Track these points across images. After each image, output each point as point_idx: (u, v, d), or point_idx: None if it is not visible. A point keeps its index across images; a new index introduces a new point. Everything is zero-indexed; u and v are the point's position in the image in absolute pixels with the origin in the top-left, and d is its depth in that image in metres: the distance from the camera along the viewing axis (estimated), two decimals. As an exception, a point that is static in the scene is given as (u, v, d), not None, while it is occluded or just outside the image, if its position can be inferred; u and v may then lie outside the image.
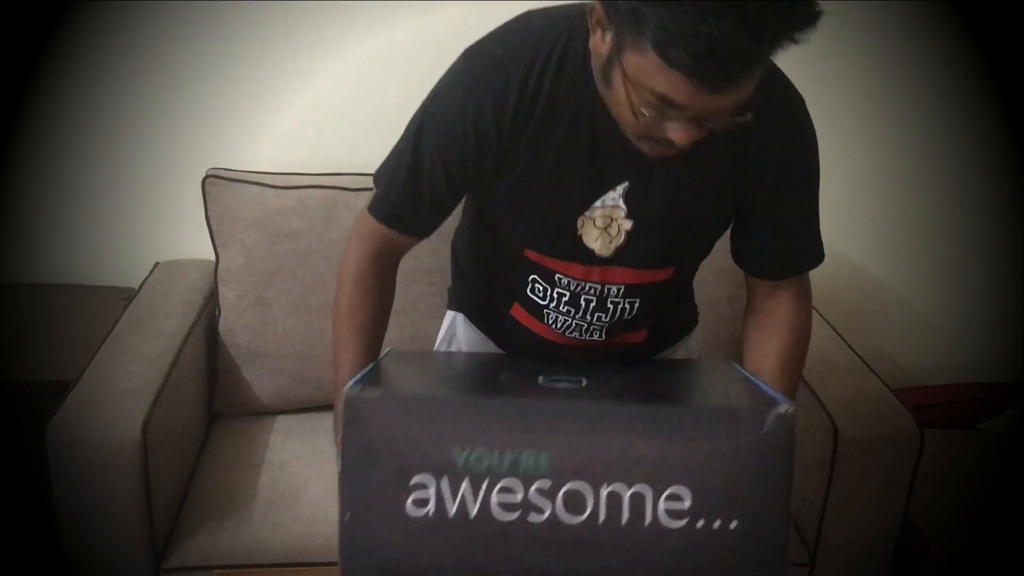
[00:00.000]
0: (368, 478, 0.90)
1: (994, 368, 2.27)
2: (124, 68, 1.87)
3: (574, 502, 0.88)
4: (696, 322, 1.37)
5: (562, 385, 1.02)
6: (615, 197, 1.06)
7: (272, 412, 1.85)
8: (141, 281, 1.89)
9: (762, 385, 1.02)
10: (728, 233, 1.15)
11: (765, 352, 1.15)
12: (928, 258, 2.22)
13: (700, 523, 0.88)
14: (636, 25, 0.82)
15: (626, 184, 1.05)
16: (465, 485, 0.89)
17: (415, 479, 0.89)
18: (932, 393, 2.16)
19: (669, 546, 0.88)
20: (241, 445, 1.74)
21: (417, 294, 1.80)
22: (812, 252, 1.14)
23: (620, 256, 1.10)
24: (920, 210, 2.18)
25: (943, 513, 1.77)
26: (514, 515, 0.89)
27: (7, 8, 1.79)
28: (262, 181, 1.79)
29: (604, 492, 0.88)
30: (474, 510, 0.89)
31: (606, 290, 1.14)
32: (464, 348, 1.32)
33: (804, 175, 1.09)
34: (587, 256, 1.10)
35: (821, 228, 1.14)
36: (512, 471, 0.88)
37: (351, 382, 0.94)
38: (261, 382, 1.82)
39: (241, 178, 1.79)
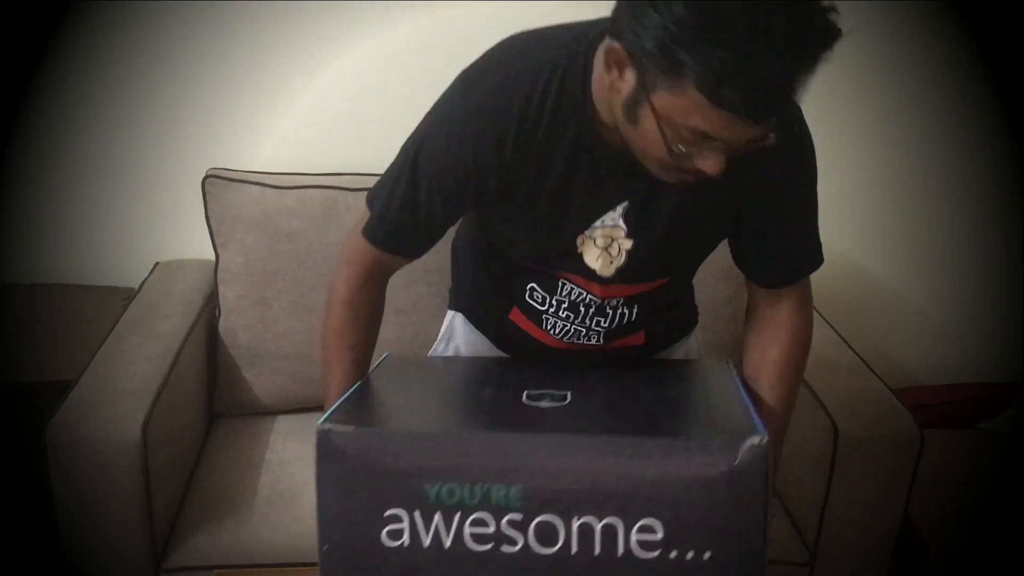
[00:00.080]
0: (343, 510, 0.92)
1: (994, 368, 2.27)
2: (124, 68, 1.87)
3: (546, 534, 0.89)
4: (696, 322, 1.37)
5: (544, 404, 1.01)
6: (615, 217, 1.06)
7: (272, 412, 1.85)
8: (141, 281, 1.89)
9: (750, 405, 1.00)
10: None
11: (764, 359, 1.14)
12: (928, 258, 2.22)
13: (673, 554, 0.88)
14: (672, 67, 0.82)
15: (625, 204, 1.05)
16: (437, 518, 0.90)
17: (388, 511, 0.91)
18: (932, 393, 2.16)
19: None
20: (241, 445, 1.74)
21: (417, 294, 1.80)
22: (811, 259, 1.14)
23: (621, 276, 1.10)
24: (920, 210, 2.18)
25: (943, 513, 1.77)
26: (487, 546, 0.90)
27: (7, 8, 1.79)
28: (262, 181, 1.79)
29: (575, 524, 0.89)
30: (448, 541, 0.90)
31: (605, 299, 1.15)
32: (462, 348, 1.32)
33: (802, 185, 1.08)
34: (588, 273, 1.11)
35: (821, 228, 1.13)
36: (483, 504, 0.89)
37: (323, 416, 0.95)
38: (261, 382, 1.82)
39: (241, 178, 1.79)
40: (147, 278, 1.90)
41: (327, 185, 1.80)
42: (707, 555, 0.88)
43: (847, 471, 1.55)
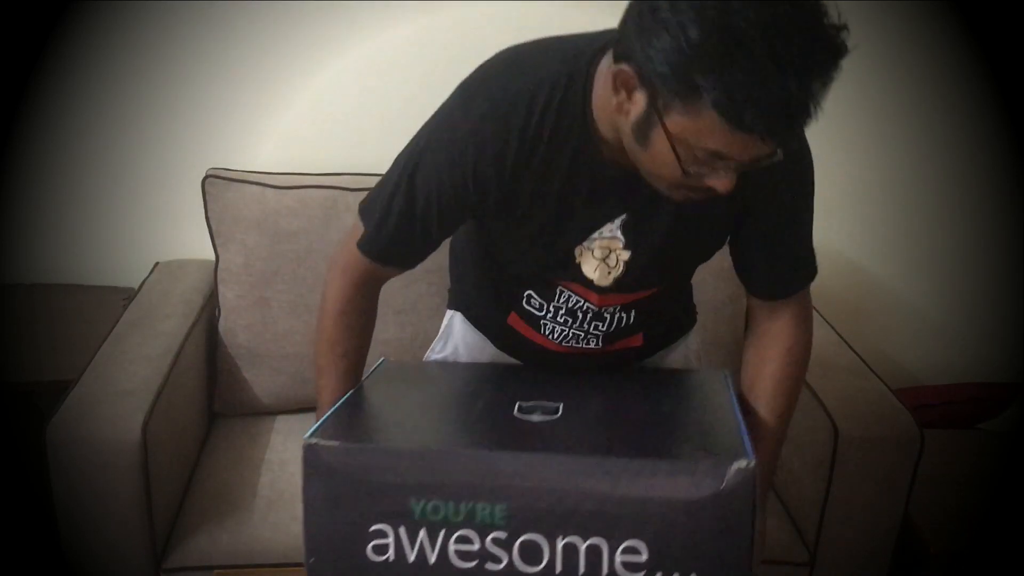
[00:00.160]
0: (329, 524, 0.92)
1: (994, 368, 2.27)
2: (124, 68, 1.87)
3: (530, 553, 0.89)
4: (694, 320, 1.37)
5: (535, 417, 1.01)
6: (613, 229, 1.06)
7: (272, 412, 1.85)
8: (141, 281, 1.89)
9: (742, 425, 0.99)
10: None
11: (761, 373, 1.14)
12: (928, 258, 2.22)
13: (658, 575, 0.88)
14: (687, 89, 0.81)
15: (624, 216, 1.05)
16: (422, 534, 0.90)
17: (374, 527, 0.91)
18: (932, 393, 2.16)
19: None
20: (241, 445, 1.74)
21: (417, 294, 1.80)
22: (807, 270, 1.14)
23: (618, 285, 1.11)
24: (920, 210, 2.18)
25: (943, 513, 1.77)
26: (472, 563, 0.90)
27: (7, 8, 1.79)
28: (262, 181, 1.79)
29: (560, 543, 0.89)
30: (432, 557, 0.91)
31: (603, 307, 1.15)
32: (461, 347, 1.32)
33: (799, 196, 1.08)
34: (585, 283, 1.11)
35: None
36: (468, 522, 0.90)
37: (310, 430, 0.95)
38: (261, 382, 1.82)
39: (241, 178, 1.79)
40: (147, 278, 1.90)
41: (327, 185, 1.80)
42: None
43: (847, 471, 1.55)
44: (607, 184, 1.02)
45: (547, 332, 1.20)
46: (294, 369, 1.82)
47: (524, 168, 1.00)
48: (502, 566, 0.90)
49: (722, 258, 1.17)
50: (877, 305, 2.25)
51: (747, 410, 1.12)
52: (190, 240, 1.96)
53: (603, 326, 1.17)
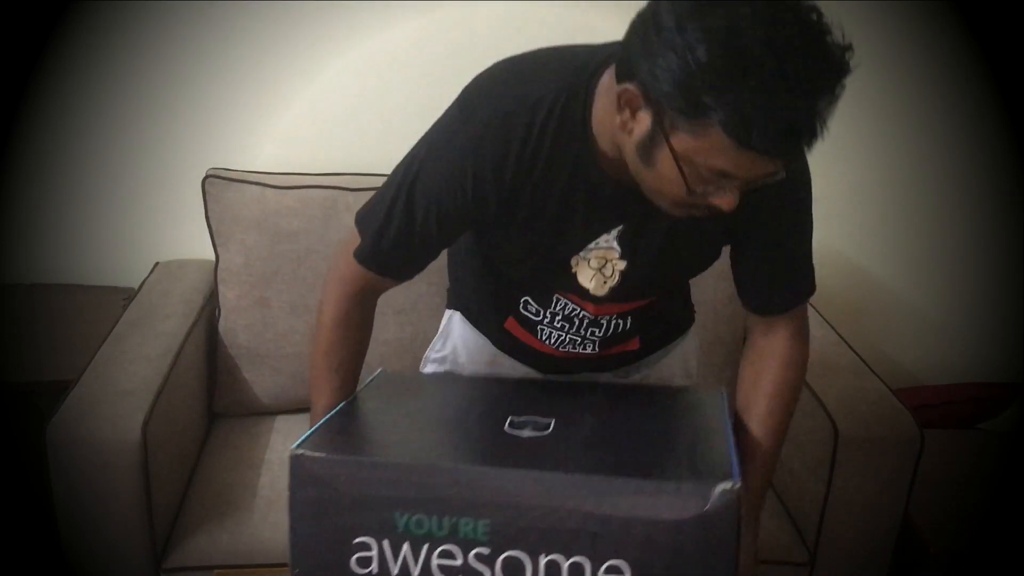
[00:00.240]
0: (314, 535, 0.93)
1: (994, 368, 2.27)
2: (124, 68, 1.88)
3: (512, 570, 0.89)
4: (692, 320, 1.37)
5: (526, 433, 1.01)
6: (609, 239, 1.06)
7: (272, 412, 1.85)
8: (141, 281, 1.89)
9: (732, 446, 0.99)
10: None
11: (756, 391, 1.13)
12: (928, 258, 2.22)
13: None
14: (694, 109, 0.81)
15: (620, 227, 1.05)
16: (406, 548, 0.90)
17: (358, 539, 0.91)
18: (932, 393, 2.16)
19: None
20: (241, 445, 1.74)
21: (417, 294, 1.80)
22: (804, 287, 1.13)
23: (614, 295, 1.11)
24: (920, 210, 2.18)
25: (943, 513, 1.77)
26: None
27: (7, 8, 1.79)
28: (262, 181, 1.79)
29: (543, 561, 0.88)
30: (416, 571, 0.90)
31: (599, 315, 1.16)
32: (460, 347, 1.32)
33: (796, 212, 1.08)
34: (581, 292, 1.11)
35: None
36: (452, 537, 0.89)
37: (297, 441, 0.95)
38: (261, 382, 1.82)
39: (241, 178, 1.79)
40: (147, 278, 1.90)
41: (327, 185, 1.80)
42: None
43: (847, 471, 1.55)
44: (605, 196, 1.02)
45: (544, 337, 1.20)
46: (294, 369, 1.82)
47: (523, 178, 1.00)
48: None
49: (722, 258, 1.17)
50: (877, 305, 2.25)
51: (741, 427, 1.12)
52: (190, 240, 1.96)
53: (600, 332, 1.18)
